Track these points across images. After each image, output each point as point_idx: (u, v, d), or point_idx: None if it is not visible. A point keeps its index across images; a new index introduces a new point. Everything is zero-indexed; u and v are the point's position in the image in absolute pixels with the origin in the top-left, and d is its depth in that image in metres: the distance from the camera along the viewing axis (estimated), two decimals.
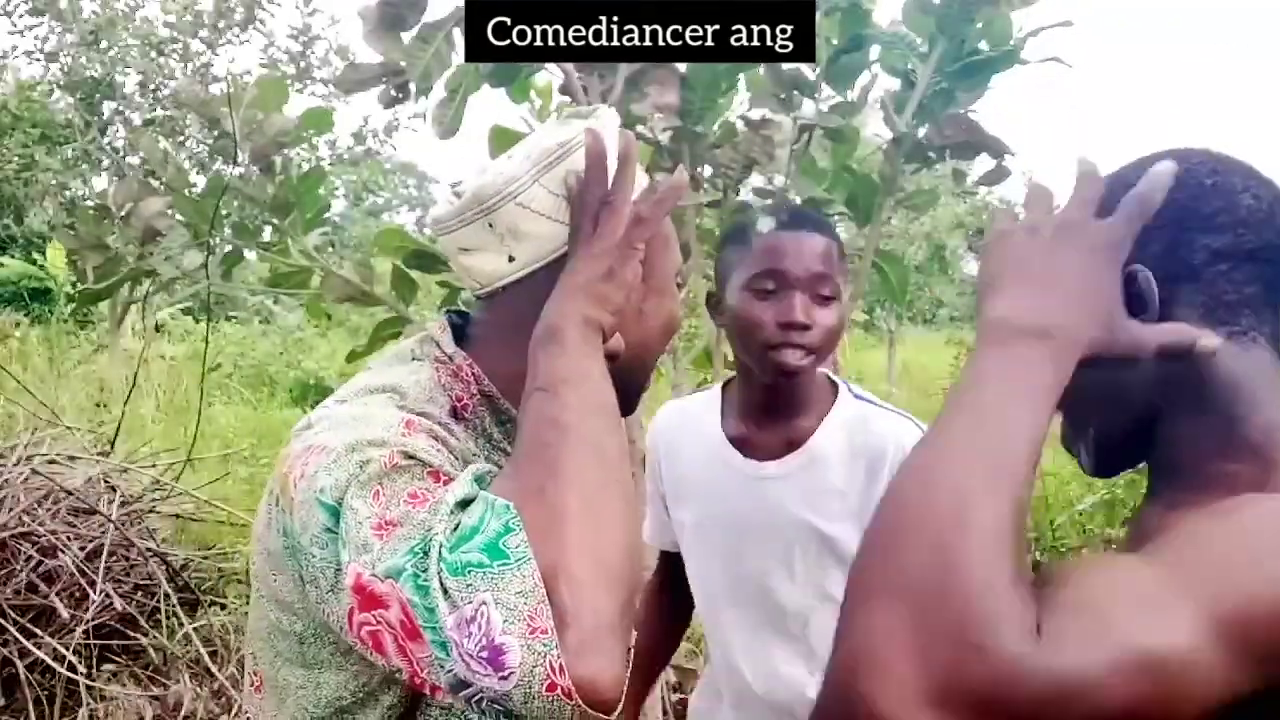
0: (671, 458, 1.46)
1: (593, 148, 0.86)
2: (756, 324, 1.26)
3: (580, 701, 0.64)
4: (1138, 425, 0.72)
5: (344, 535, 0.71)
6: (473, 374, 0.88)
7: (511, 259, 0.86)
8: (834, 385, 1.38)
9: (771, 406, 1.35)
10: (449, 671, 0.66)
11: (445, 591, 0.66)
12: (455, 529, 0.69)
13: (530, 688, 0.64)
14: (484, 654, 0.65)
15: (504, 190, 0.84)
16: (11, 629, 2.83)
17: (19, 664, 2.78)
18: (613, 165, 0.87)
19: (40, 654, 2.80)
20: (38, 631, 2.87)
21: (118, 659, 3.11)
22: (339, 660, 0.80)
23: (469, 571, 0.66)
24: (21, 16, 10.02)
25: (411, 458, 0.75)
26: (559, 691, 0.65)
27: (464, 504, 0.71)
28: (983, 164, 2.08)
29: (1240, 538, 0.58)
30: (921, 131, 1.99)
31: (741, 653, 1.38)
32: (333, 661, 0.81)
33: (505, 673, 0.64)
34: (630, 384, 0.92)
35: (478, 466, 0.77)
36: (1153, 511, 0.72)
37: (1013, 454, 0.58)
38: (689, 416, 1.45)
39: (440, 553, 0.67)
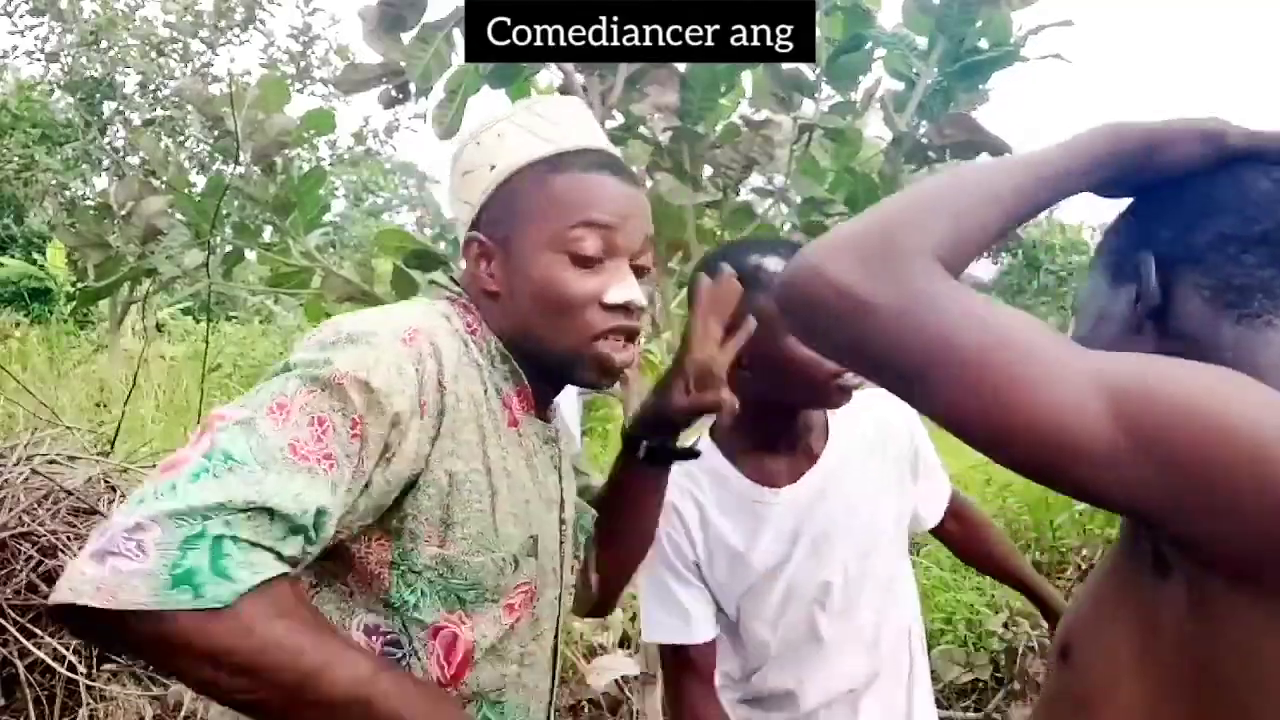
0: (703, 523, 1.35)
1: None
2: (810, 364, 1.19)
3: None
4: None
5: (260, 382, 0.82)
6: (478, 314, 0.99)
7: (492, 167, 0.98)
8: None
9: (789, 432, 1.32)
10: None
11: (174, 521, 0.72)
12: (238, 542, 0.73)
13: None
14: (108, 540, 0.71)
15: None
16: (11, 629, 2.82)
17: (19, 664, 2.77)
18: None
19: (40, 654, 2.80)
20: (38, 631, 2.86)
21: (118, 659, 3.11)
22: None
23: (184, 550, 0.71)
24: (22, 16, 10.03)
25: (364, 387, 0.81)
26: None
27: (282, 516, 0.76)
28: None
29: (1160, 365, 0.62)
30: (921, 131, 1.99)
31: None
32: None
33: (85, 554, 0.72)
34: (547, 359, 0.98)
35: (331, 503, 0.79)
36: None
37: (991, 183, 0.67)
38: (702, 481, 1.35)
39: (212, 530, 0.72)
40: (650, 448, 1.10)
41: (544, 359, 0.98)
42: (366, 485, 0.83)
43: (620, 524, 1.15)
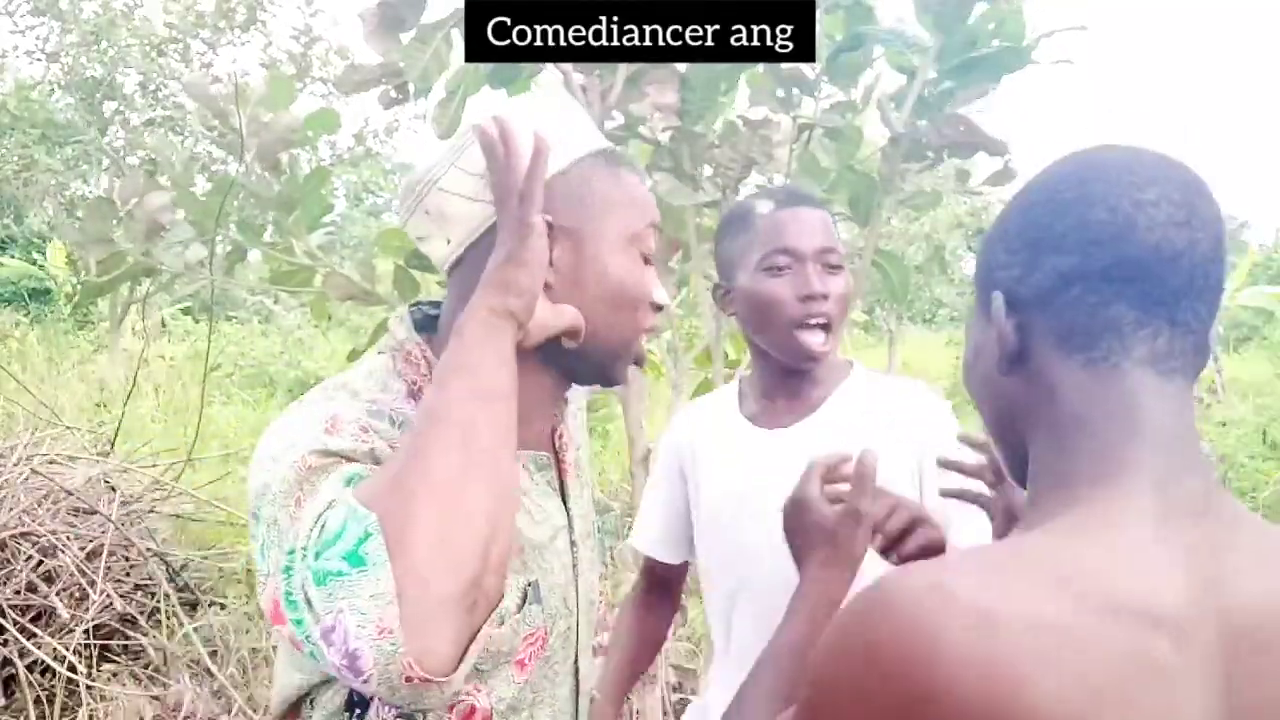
0: (693, 454, 1.43)
1: (484, 136, 0.87)
2: (776, 301, 1.28)
3: (418, 678, 0.68)
4: (1016, 448, 0.71)
5: (262, 544, 0.76)
6: (423, 356, 0.91)
7: (448, 241, 0.91)
8: (848, 363, 1.40)
9: (789, 385, 1.35)
10: (320, 663, 0.70)
11: (310, 603, 0.69)
12: (320, 533, 0.71)
13: (390, 683, 0.68)
14: (344, 660, 0.68)
15: (425, 178, 0.90)
16: (11, 629, 2.83)
17: (19, 664, 2.78)
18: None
19: (40, 654, 2.80)
20: (38, 631, 2.87)
21: (118, 659, 3.11)
22: (287, 648, 0.85)
23: (329, 580, 0.69)
24: (22, 16, 10.03)
25: (329, 453, 0.77)
26: (415, 681, 0.68)
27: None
28: (986, 164, 2.08)
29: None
30: (921, 130, 1.99)
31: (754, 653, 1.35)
32: (285, 648, 0.87)
33: (364, 676, 0.68)
34: (595, 355, 0.93)
35: (349, 468, 0.77)
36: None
37: None
38: (706, 411, 1.45)
39: (307, 561, 0.70)
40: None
41: (589, 355, 0.93)
42: None
43: None
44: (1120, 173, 0.64)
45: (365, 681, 0.68)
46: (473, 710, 0.89)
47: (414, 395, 0.89)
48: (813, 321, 1.27)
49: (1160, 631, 0.55)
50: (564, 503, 1.01)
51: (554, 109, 0.94)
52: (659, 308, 0.96)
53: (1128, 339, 0.63)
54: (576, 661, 1.02)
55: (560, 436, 1.02)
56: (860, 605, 0.57)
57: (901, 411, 1.30)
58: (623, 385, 1.03)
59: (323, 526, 0.71)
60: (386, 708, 0.86)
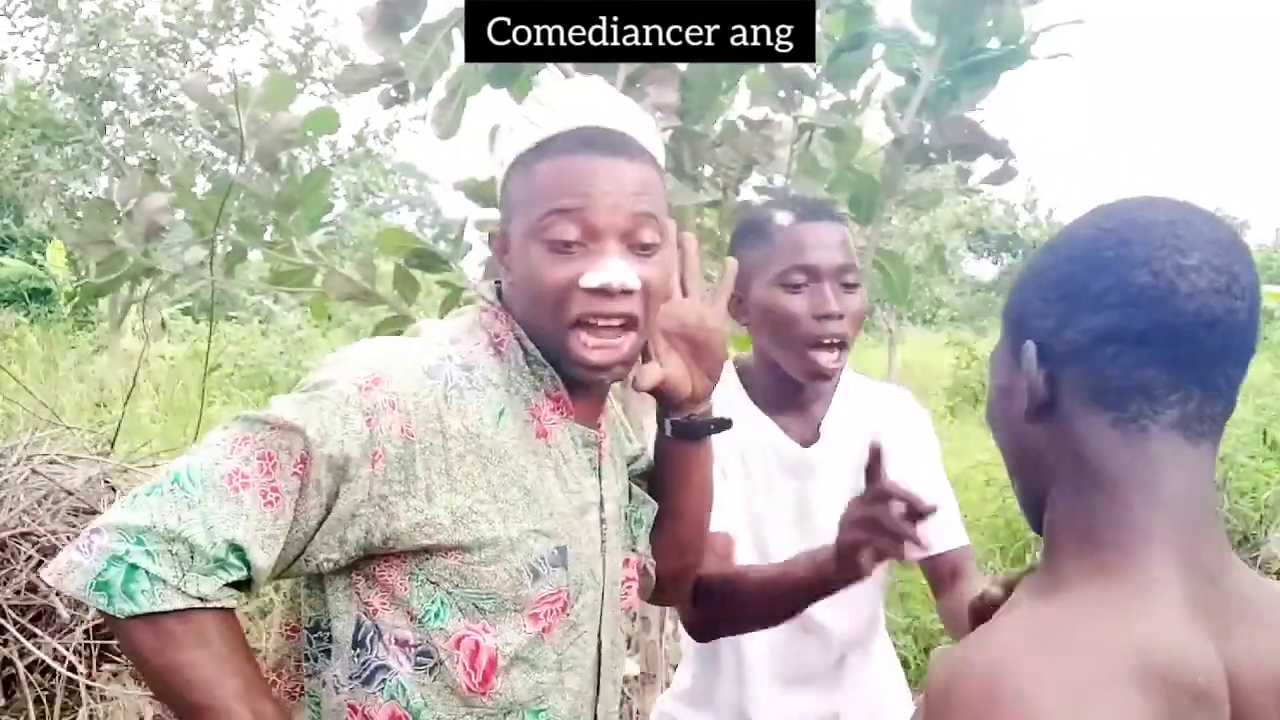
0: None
1: None
2: (792, 318, 1.27)
3: None
4: (1036, 494, 0.71)
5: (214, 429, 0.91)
6: (509, 319, 1.00)
7: (503, 163, 1.02)
8: None
9: (795, 396, 1.36)
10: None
11: (112, 533, 0.85)
12: (153, 555, 0.84)
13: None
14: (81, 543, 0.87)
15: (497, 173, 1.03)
16: (11, 629, 2.82)
17: (19, 664, 2.77)
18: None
19: (40, 654, 2.80)
20: (38, 631, 2.86)
21: (118, 659, 3.11)
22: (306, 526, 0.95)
23: (108, 563, 0.84)
24: (22, 17, 10.02)
25: (301, 435, 0.87)
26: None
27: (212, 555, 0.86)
28: (985, 164, 2.07)
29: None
30: (924, 132, 1.99)
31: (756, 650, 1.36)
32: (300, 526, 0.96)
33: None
34: (549, 354, 0.98)
35: (241, 537, 0.87)
36: (1023, 583, 0.72)
37: None
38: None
39: (139, 545, 0.85)
40: (675, 423, 1.07)
41: (545, 350, 0.98)
42: (318, 523, 0.89)
43: (668, 504, 1.14)
44: (1164, 234, 0.63)
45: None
46: (477, 647, 0.94)
47: (495, 348, 0.99)
48: (827, 341, 1.27)
49: (1200, 704, 0.56)
50: (599, 481, 1.05)
51: (523, 109, 1.00)
52: (601, 291, 0.92)
53: (1158, 402, 0.63)
54: (599, 654, 1.05)
55: (601, 425, 1.07)
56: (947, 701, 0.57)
57: (890, 425, 1.33)
58: (622, 387, 1.05)
59: (136, 555, 0.86)
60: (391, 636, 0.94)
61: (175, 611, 0.84)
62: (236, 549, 0.85)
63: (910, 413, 1.43)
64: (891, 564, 1.23)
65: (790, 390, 1.36)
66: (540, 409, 0.98)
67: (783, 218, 1.31)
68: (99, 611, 0.85)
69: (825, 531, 1.20)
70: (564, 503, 0.98)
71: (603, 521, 1.04)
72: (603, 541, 1.04)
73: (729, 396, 1.40)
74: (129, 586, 0.83)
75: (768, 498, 1.36)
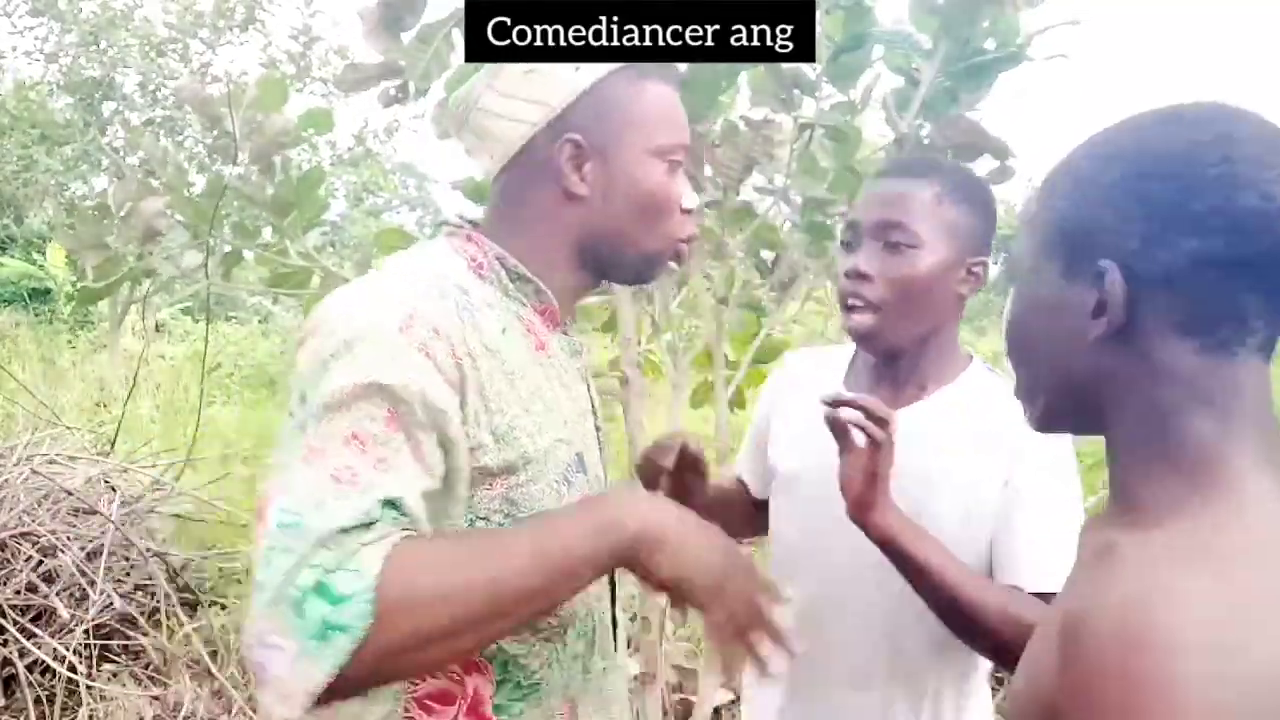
0: (783, 406, 1.38)
1: None
2: (839, 278, 1.23)
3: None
4: (1085, 407, 0.68)
5: (294, 434, 0.81)
6: (482, 240, 0.99)
7: (491, 157, 1.00)
8: (968, 357, 1.29)
9: (887, 372, 1.26)
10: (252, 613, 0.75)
11: (277, 607, 0.73)
12: (332, 571, 0.73)
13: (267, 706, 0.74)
14: (256, 666, 0.73)
15: (467, 98, 1.00)
16: (11, 629, 2.82)
17: (19, 664, 2.77)
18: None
19: (40, 654, 2.80)
20: (38, 631, 2.86)
21: (118, 659, 3.11)
22: None
23: (300, 619, 0.72)
24: (21, 17, 10.03)
25: (379, 390, 0.81)
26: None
27: (367, 525, 0.76)
28: (985, 162, 2.07)
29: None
30: (924, 132, 1.99)
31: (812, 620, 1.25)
32: None
33: (260, 690, 0.73)
34: (633, 260, 1.01)
35: (398, 492, 0.79)
36: (1091, 525, 0.71)
37: None
38: (810, 368, 1.39)
39: (306, 582, 0.73)
40: None
41: (625, 259, 1.01)
42: (445, 462, 0.85)
43: None
44: (1267, 154, 0.60)
45: (259, 687, 0.74)
46: None
47: (476, 272, 0.97)
48: (849, 302, 1.20)
49: None
50: (587, 389, 1.07)
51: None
52: (688, 212, 1.02)
53: (1247, 327, 0.61)
54: None
55: (569, 324, 1.08)
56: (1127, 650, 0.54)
57: (996, 413, 1.19)
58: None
59: (340, 567, 0.74)
60: None
61: (389, 554, 0.75)
62: (390, 505, 0.78)
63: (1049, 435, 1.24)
64: None
65: (881, 366, 1.27)
66: (533, 323, 0.99)
67: (876, 174, 1.27)
68: (350, 674, 0.73)
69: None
70: (572, 410, 1.00)
71: (598, 429, 1.07)
72: (600, 448, 1.07)
73: (827, 376, 1.34)
74: (334, 594, 0.72)
75: (811, 468, 1.27)
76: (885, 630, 1.23)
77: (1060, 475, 1.18)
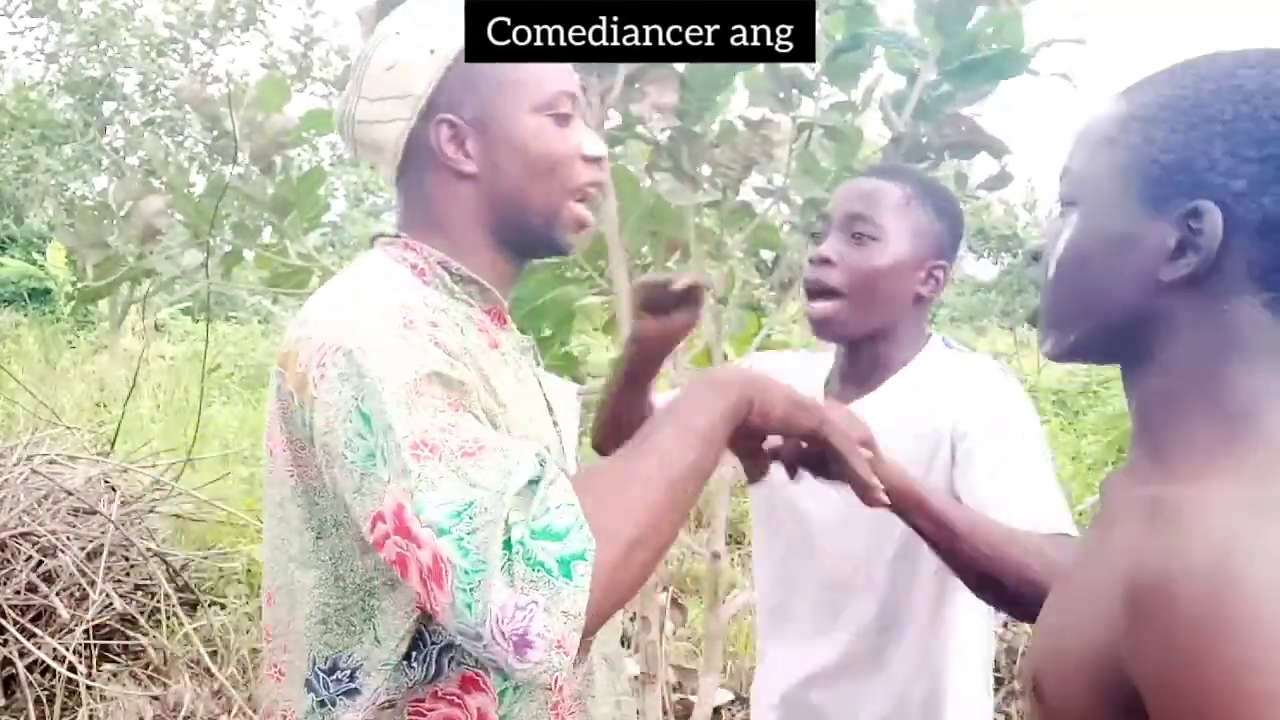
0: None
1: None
2: (805, 266, 1.29)
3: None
4: (1126, 346, 0.67)
5: (383, 452, 0.77)
6: (419, 245, 0.97)
7: (385, 163, 0.99)
8: (926, 339, 1.33)
9: (852, 359, 1.31)
10: (461, 620, 0.73)
11: (510, 574, 0.72)
12: (540, 517, 0.74)
13: (531, 674, 0.73)
14: (514, 637, 0.71)
15: (343, 116, 0.99)
16: (11, 629, 2.82)
17: (19, 664, 2.77)
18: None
19: (40, 654, 2.80)
20: (38, 631, 2.86)
21: (118, 659, 3.11)
22: (364, 544, 0.84)
23: (539, 569, 0.72)
24: (21, 17, 10.03)
25: (429, 377, 0.80)
26: (555, 684, 0.77)
27: (533, 482, 0.76)
28: (984, 166, 2.08)
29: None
30: (922, 131, 1.99)
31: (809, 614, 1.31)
32: (356, 548, 0.86)
33: (523, 661, 0.72)
34: (535, 227, 0.98)
35: (537, 447, 0.79)
36: (1121, 480, 0.69)
37: None
38: (799, 367, 1.39)
39: (523, 538, 0.72)
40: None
41: (528, 227, 0.98)
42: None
43: None
44: None
45: (521, 661, 0.72)
46: None
47: (419, 277, 0.95)
48: (811, 287, 1.26)
49: None
50: (540, 386, 1.05)
51: (425, 15, 0.98)
52: (592, 159, 0.99)
53: None
54: None
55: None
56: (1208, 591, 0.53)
57: (949, 384, 1.23)
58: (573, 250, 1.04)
59: (546, 509, 0.74)
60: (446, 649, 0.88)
61: (549, 490, 0.75)
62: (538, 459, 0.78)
63: (993, 382, 1.24)
64: None
65: (846, 354, 1.32)
66: (484, 323, 0.98)
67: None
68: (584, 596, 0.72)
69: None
70: (533, 408, 0.99)
71: (556, 424, 1.06)
72: (561, 445, 1.05)
73: (813, 373, 1.37)
74: (561, 536, 0.73)
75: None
76: (864, 614, 1.26)
77: (1015, 414, 1.19)
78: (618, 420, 1.33)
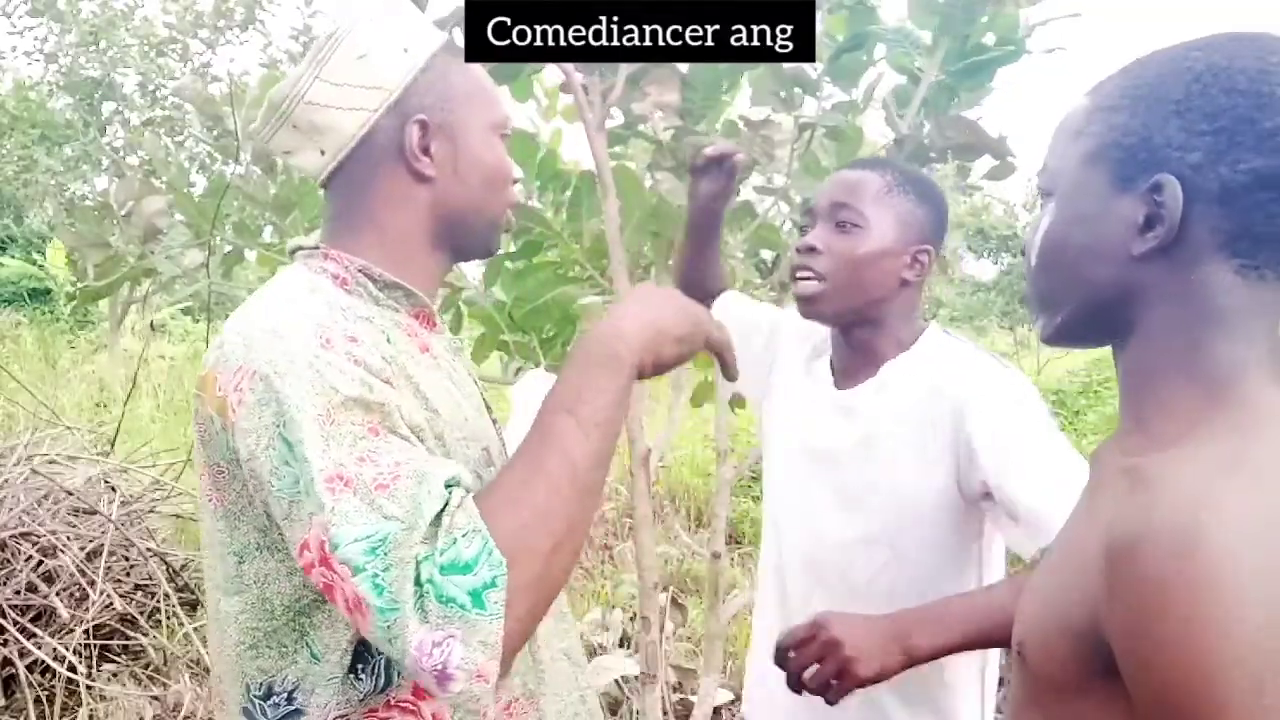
0: (782, 359, 1.48)
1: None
2: (791, 255, 1.33)
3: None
4: (1109, 321, 0.69)
5: (303, 484, 0.76)
6: (339, 255, 0.95)
7: (322, 152, 0.95)
8: (924, 326, 1.35)
9: (849, 344, 1.35)
10: (387, 651, 0.74)
11: (424, 611, 0.72)
12: (447, 550, 0.73)
13: (457, 701, 0.75)
14: (434, 671, 0.72)
15: (290, 93, 0.94)
16: (11, 629, 2.82)
17: (19, 664, 2.77)
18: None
19: (40, 654, 2.80)
20: (38, 631, 2.86)
21: (118, 659, 3.11)
22: (290, 565, 0.84)
23: (450, 605, 0.72)
24: (21, 17, 10.03)
25: (345, 401, 0.79)
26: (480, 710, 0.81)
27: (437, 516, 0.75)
28: (985, 164, 2.07)
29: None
30: (924, 132, 1.99)
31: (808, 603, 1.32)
32: (282, 569, 0.85)
33: (446, 691, 0.73)
34: (479, 231, 1.00)
35: (449, 472, 0.78)
36: (1107, 450, 0.71)
37: None
38: (806, 336, 1.46)
39: (432, 576, 0.72)
40: None
41: (473, 233, 1.00)
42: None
43: None
44: None
45: (443, 690, 0.73)
46: None
47: (341, 287, 0.93)
48: (800, 274, 1.29)
49: None
50: (474, 384, 1.06)
51: (398, 10, 0.98)
52: (516, 180, 1.03)
53: None
54: None
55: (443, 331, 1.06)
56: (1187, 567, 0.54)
57: (952, 386, 1.23)
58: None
59: (453, 541, 0.74)
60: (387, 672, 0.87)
61: (456, 511, 0.75)
62: (449, 484, 0.78)
63: (982, 382, 1.23)
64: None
65: (843, 339, 1.35)
66: (412, 327, 0.97)
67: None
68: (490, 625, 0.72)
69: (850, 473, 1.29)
70: (469, 407, 0.99)
71: (494, 421, 1.06)
72: (502, 441, 1.06)
73: (818, 342, 1.43)
74: (470, 568, 0.73)
75: (800, 436, 1.37)
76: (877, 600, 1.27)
77: (1020, 400, 1.20)
78: (690, 281, 1.56)
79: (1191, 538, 0.53)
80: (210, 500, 0.87)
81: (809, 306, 1.31)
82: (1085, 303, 0.69)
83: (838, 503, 1.30)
